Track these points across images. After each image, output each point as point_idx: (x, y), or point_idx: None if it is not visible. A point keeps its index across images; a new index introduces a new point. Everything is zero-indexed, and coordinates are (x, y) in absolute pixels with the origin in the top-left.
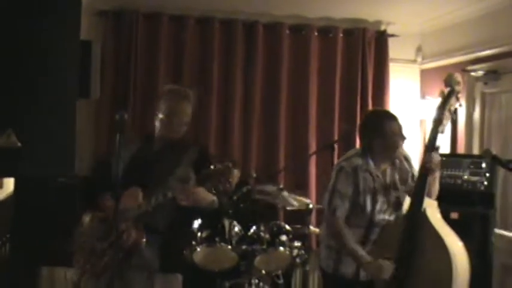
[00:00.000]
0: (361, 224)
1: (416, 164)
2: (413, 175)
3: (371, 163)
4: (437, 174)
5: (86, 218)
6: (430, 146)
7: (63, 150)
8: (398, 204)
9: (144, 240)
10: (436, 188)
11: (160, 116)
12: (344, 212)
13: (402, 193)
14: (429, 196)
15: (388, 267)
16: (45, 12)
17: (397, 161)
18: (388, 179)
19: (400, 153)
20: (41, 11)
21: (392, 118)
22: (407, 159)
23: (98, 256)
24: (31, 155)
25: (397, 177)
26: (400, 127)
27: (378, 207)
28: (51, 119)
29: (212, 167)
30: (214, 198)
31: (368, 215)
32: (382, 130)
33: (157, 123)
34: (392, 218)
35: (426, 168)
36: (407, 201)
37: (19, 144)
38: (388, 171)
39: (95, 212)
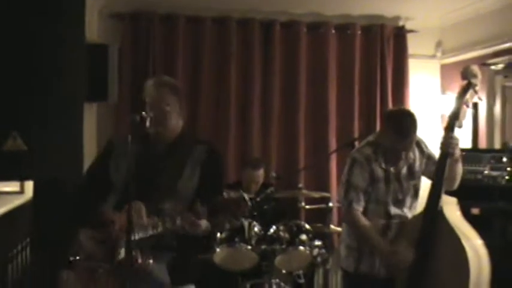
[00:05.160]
0: (378, 212)
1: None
2: (429, 155)
3: (381, 155)
4: (458, 156)
5: (83, 236)
6: (449, 130)
7: (70, 154)
8: (416, 193)
9: (151, 262)
10: (459, 169)
11: (145, 112)
12: (361, 204)
13: (419, 180)
14: (454, 179)
15: (407, 254)
16: (50, 15)
17: (411, 155)
18: (403, 170)
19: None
20: (46, 14)
21: (402, 125)
22: (419, 144)
23: (100, 277)
24: (37, 158)
25: (416, 164)
26: (409, 132)
27: (392, 197)
28: (57, 122)
29: (225, 195)
30: (208, 224)
31: (383, 204)
32: (388, 134)
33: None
34: (411, 211)
35: (445, 152)
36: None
37: (25, 147)
38: (402, 162)
39: (90, 229)
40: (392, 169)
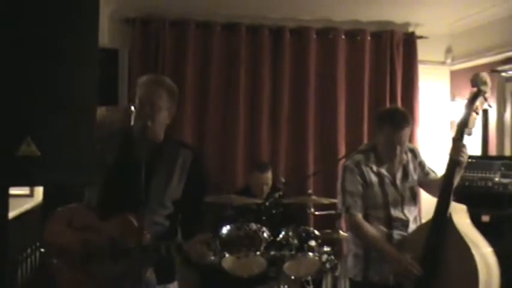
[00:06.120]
0: (379, 217)
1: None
2: (420, 162)
3: (373, 159)
4: (462, 170)
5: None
6: (458, 138)
7: (81, 159)
8: (413, 195)
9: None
10: (456, 180)
11: (134, 106)
12: (358, 209)
13: (414, 183)
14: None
15: (415, 268)
16: (63, 20)
17: (404, 156)
18: (398, 173)
19: (406, 147)
20: (59, 18)
21: (395, 118)
22: (412, 150)
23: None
24: (49, 164)
25: (410, 168)
26: (403, 123)
27: (390, 199)
28: (68, 127)
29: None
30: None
31: (383, 208)
32: (382, 130)
33: (132, 118)
34: (412, 213)
35: (454, 159)
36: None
37: (39, 153)
38: (397, 165)
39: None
40: (384, 171)
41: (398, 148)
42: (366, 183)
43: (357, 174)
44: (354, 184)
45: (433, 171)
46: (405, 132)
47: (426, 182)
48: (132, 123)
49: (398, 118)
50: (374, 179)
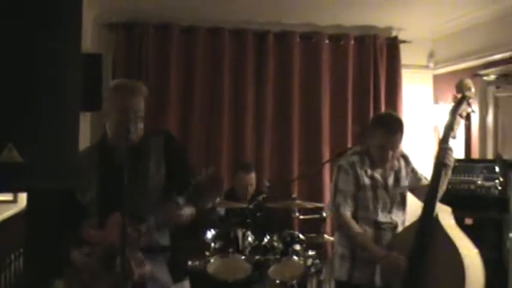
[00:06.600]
0: (368, 220)
1: (428, 165)
2: (412, 169)
3: (367, 162)
4: (449, 172)
5: (76, 255)
6: (444, 145)
7: (66, 164)
8: (403, 200)
9: (148, 268)
10: (444, 185)
11: (111, 116)
12: (348, 208)
13: (405, 189)
14: (442, 189)
15: (402, 262)
16: (46, 25)
17: (396, 162)
18: (389, 178)
19: (399, 153)
20: (42, 24)
21: (388, 122)
22: (404, 157)
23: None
24: (31, 170)
25: (402, 173)
26: (397, 129)
27: (380, 205)
28: (51, 132)
29: (199, 177)
30: (193, 210)
31: (372, 212)
32: (375, 134)
33: (108, 128)
34: (399, 218)
35: (440, 162)
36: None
37: (21, 159)
38: (389, 170)
39: (81, 247)
40: (378, 175)
41: (390, 153)
42: (359, 185)
43: (350, 175)
44: (346, 184)
45: (425, 178)
46: (397, 137)
47: (418, 188)
48: (110, 130)
49: (391, 123)
50: (367, 181)
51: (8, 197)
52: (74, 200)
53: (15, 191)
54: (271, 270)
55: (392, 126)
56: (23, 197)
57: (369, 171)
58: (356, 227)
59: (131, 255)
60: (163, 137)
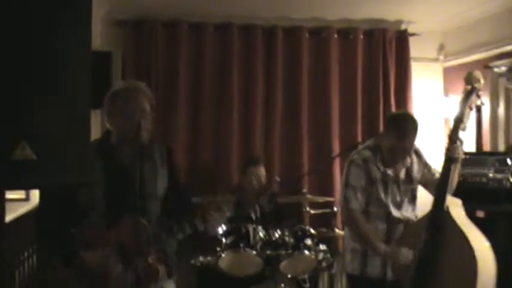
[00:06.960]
0: (380, 215)
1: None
2: (425, 164)
3: (379, 158)
4: (458, 165)
5: (88, 256)
6: (454, 138)
7: (76, 161)
8: (413, 197)
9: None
10: (455, 178)
11: (117, 118)
12: (358, 204)
13: (417, 184)
14: (453, 183)
15: (406, 253)
16: (56, 23)
17: (408, 158)
18: (401, 174)
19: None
20: (52, 22)
21: (401, 125)
22: (416, 151)
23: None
24: (43, 167)
25: (414, 169)
26: (409, 134)
27: (391, 199)
28: (62, 129)
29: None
30: (188, 230)
31: (384, 206)
32: (388, 135)
33: (113, 128)
34: (410, 214)
35: (450, 157)
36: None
37: (34, 156)
38: (400, 166)
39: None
40: (390, 172)
41: (402, 155)
42: (371, 180)
43: (362, 170)
44: (357, 179)
45: (438, 172)
46: (409, 141)
47: (432, 182)
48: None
49: (404, 127)
50: (379, 177)
51: (20, 194)
52: (74, 200)
53: (27, 188)
54: (282, 265)
55: (405, 131)
56: (35, 195)
57: (381, 167)
58: (363, 222)
59: (150, 253)
60: (166, 148)
